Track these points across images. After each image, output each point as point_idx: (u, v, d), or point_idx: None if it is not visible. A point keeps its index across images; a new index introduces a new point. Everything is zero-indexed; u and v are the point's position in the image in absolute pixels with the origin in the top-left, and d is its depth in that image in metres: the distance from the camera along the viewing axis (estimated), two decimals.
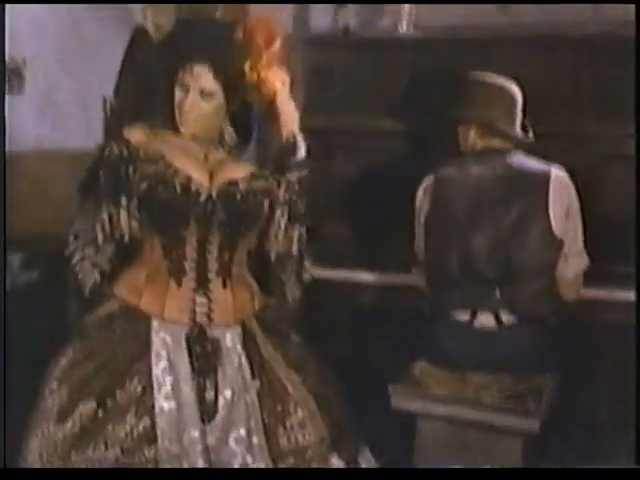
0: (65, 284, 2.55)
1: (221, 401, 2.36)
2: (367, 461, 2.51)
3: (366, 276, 3.55)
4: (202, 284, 2.43)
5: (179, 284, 2.42)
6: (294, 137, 2.47)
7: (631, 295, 3.01)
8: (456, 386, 3.00)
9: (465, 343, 2.99)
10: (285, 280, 2.60)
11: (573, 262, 3.00)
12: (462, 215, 3.01)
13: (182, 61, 2.37)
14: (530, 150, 3.09)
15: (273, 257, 2.55)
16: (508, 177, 3.00)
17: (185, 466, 2.28)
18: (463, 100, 3.14)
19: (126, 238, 2.41)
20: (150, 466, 2.26)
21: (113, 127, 2.50)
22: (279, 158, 2.48)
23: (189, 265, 2.42)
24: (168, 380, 2.33)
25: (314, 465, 2.39)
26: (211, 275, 2.44)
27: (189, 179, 2.40)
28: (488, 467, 2.75)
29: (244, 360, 2.42)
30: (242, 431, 2.36)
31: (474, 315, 2.99)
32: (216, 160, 2.48)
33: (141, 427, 2.27)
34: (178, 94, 2.39)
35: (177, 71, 2.38)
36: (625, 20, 3.25)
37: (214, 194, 2.42)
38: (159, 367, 2.33)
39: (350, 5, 4.03)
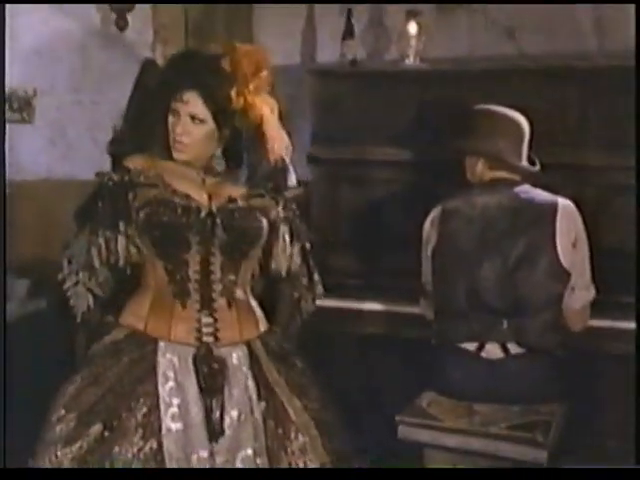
0: (72, 312, 2.56)
1: (227, 421, 2.37)
2: None
3: (373, 306, 3.55)
4: (207, 305, 2.45)
5: (184, 306, 2.44)
6: (283, 161, 2.53)
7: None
8: (463, 416, 2.98)
9: (472, 373, 2.98)
10: (298, 296, 2.67)
11: (580, 294, 2.99)
12: (470, 246, 3.01)
13: (174, 90, 2.44)
14: (536, 182, 3.10)
15: (284, 273, 2.63)
16: (516, 208, 3.01)
17: None
18: (471, 131, 3.14)
19: (121, 262, 2.45)
20: None
21: (115, 155, 2.55)
22: (268, 182, 2.56)
23: (193, 286, 2.44)
24: (175, 401, 2.34)
25: None
26: (215, 295, 2.46)
27: (189, 199, 2.45)
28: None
29: (250, 381, 2.44)
30: (249, 451, 2.37)
31: (481, 346, 2.99)
32: (213, 183, 2.53)
33: (148, 448, 2.28)
34: (171, 121, 2.46)
35: (170, 100, 2.45)
36: (626, 50, 3.27)
37: (214, 211, 2.46)
38: (165, 388, 2.35)
39: (357, 37, 4.06)
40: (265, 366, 2.48)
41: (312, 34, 4.30)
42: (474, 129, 3.14)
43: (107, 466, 2.25)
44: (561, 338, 2.98)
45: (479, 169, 3.11)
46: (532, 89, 3.53)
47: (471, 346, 3.00)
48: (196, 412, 2.35)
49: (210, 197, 2.49)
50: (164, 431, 2.30)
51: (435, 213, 3.12)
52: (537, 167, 3.16)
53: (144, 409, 2.31)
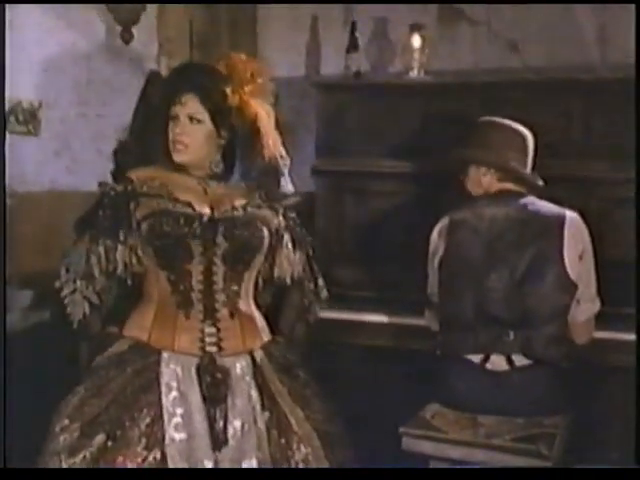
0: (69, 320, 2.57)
1: (231, 431, 2.38)
2: None
3: (377, 318, 3.55)
4: (210, 315, 2.47)
5: (187, 316, 2.45)
6: (276, 159, 2.55)
7: None
8: (468, 428, 2.98)
9: (477, 385, 2.98)
10: (305, 301, 2.70)
11: (585, 306, 2.99)
12: (477, 257, 3.01)
13: (173, 95, 2.50)
14: (541, 194, 3.10)
15: (288, 281, 2.66)
16: (523, 220, 3.01)
17: None
18: (480, 143, 3.13)
19: (120, 271, 2.46)
20: None
21: (119, 165, 2.58)
22: (262, 178, 2.59)
23: (196, 297, 2.46)
24: (179, 411, 2.35)
25: None
26: (218, 305, 2.48)
27: (191, 209, 2.47)
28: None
29: (254, 391, 2.45)
30: (253, 461, 2.38)
31: (486, 357, 2.98)
32: (215, 193, 2.55)
33: (151, 458, 2.28)
34: (171, 126, 2.50)
35: (170, 106, 2.50)
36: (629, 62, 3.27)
37: (216, 220, 2.48)
38: (169, 398, 2.35)
39: (361, 50, 4.08)
40: (268, 376, 2.49)
41: (316, 47, 4.32)
42: (482, 141, 3.13)
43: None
44: (567, 350, 2.98)
45: (486, 181, 3.11)
46: (535, 101, 3.54)
47: (476, 358, 2.99)
48: (200, 422, 2.35)
49: (212, 207, 2.51)
50: (168, 441, 2.31)
51: (442, 224, 3.12)
52: (539, 179, 3.16)
53: (147, 419, 2.32)
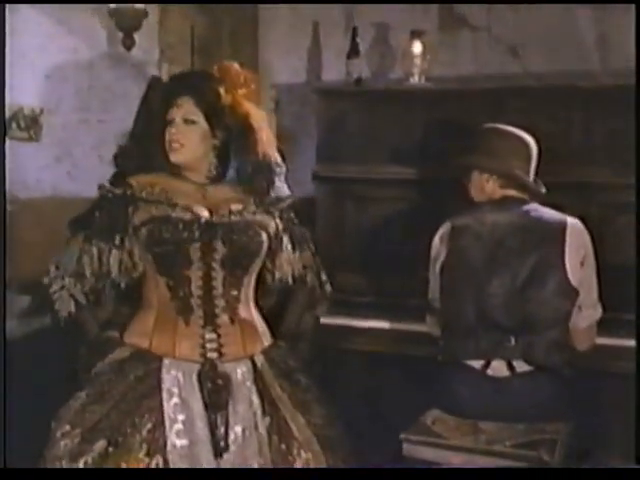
0: (78, 330, 2.57)
1: (232, 436, 2.38)
2: None
3: (378, 324, 3.55)
4: (210, 321, 2.47)
5: (187, 323, 2.46)
6: (269, 156, 2.58)
7: None
8: (468, 434, 2.98)
9: (478, 391, 2.98)
10: (310, 296, 2.73)
11: (587, 312, 2.99)
12: (478, 263, 3.01)
13: (170, 99, 2.55)
14: (543, 200, 3.10)
15: (290, 281, 2.69)
16: (525, 226, 3.00)
17: None
18: (483, 149, 3.13)
19: (114, 275, 2.47)
20: None
21: (119, 170, 2.60)
22: (257, 175, 2.61)
23: (195, 302, 2.47)
24: (180, 417, 2.36)
25: None
26: (218, 311, 2.49)
27: (190, 212, 2.48)
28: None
29: (255, 396, 2.45)
30: (254, 467, 2.38)
31: (487, 363, 2.98)
32: (213, 198, 2.57)
33: (153, 464, 2.29)
34: (167, 129, 2.54)
35: (167, 111, 2.54)
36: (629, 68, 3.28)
37: (214, 225, 2.49)
38: (170, 404, 2.36)
39: (362, 56, 4.08)
40: (269, 381, 2.50)
41: (317, 53, 4.32)
42: (486, 147, 3.12)
43: None
44: (568, 356, 2.97)
45: (489, 187, 3.11)
46: (536, 107, 3.54)
47: (477, 364, 2.99)
48: (201, 428, 2.36)
49: (211, 211, 2.52)
50: (169, 447, 2.32)
51: (444, 229, 3.12)
52: (541, 185, 3.16)
53: (149, 425, 2.33)
